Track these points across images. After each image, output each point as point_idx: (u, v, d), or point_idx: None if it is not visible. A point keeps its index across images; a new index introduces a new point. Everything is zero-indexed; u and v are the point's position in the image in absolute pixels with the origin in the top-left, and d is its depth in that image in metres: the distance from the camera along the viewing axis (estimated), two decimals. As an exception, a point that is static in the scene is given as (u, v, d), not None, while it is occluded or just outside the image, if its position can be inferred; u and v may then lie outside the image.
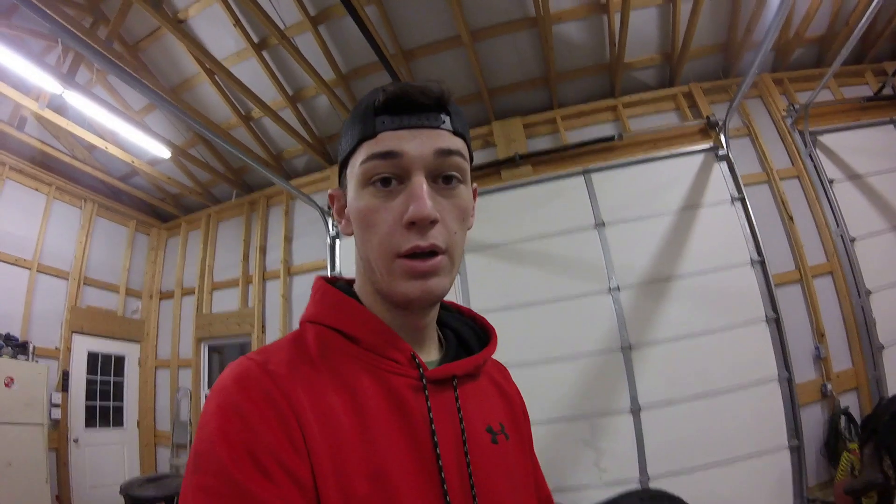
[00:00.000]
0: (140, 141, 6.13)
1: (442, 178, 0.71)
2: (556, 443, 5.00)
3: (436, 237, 0.68)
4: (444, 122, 0.71)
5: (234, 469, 0.54)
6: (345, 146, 0.75)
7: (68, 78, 5.16)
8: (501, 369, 0.96)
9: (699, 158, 5.64)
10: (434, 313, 0.81)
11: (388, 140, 0.68)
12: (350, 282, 0.84)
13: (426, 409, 0.69)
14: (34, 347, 6.10)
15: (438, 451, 0.66)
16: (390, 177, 0.69)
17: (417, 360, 0.72)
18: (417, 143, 0.68)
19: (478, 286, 5.69)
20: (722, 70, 6.13)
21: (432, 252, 0.68)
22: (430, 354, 0.81)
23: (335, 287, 0.80)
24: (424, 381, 0.71)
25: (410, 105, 0.69)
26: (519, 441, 0.86)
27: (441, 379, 0.73)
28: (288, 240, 7.31)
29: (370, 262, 0.72)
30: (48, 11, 3.83)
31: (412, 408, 0.68)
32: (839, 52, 4.71)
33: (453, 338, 0.86)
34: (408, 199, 0.67)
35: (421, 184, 0.67)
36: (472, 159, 0.78)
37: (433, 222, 0.67)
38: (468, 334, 0.88)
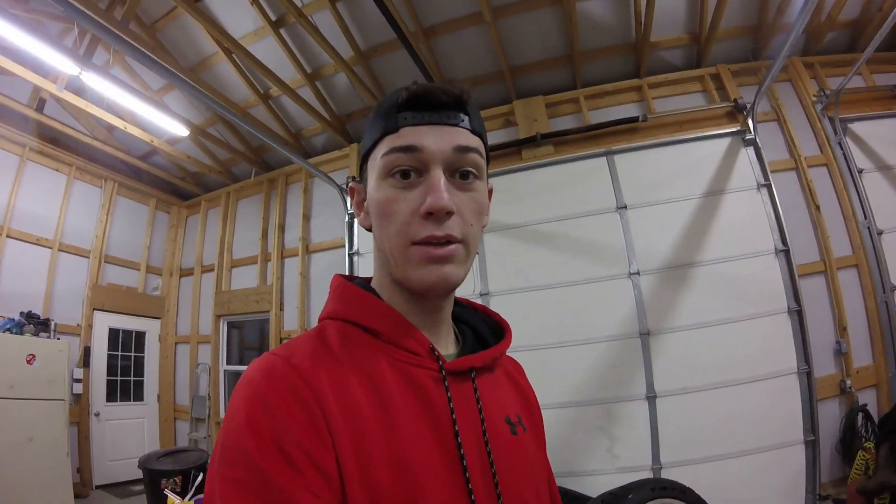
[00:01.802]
0: (159, 120, 6.14)
1: (459, 174, 0.73)
2: (571, 427, 5.00)
3: (452, 227, 0.70)
4: (462, 120, 0.74)
5: (261, 460, 0.55)
6: (367, 141, 0.77)
7: (85, 59, 5.16)
8: (517, 365, 0.98)
9: (725, 142, 5.50)
10: (449, 306, 0.83)
11: (409, 135, 0.71)
12: (367, 280, 0.85)
13: (447, 399, 0.71)
14: (55, 324, 6.26)
15: (460, 440, 0.68)
16: (409, 170, 0.71)
17: (436, 353, 0.74)
18: (437, 139, 0.71)
19: (496, 267, 5.67)
20: (751, 52, 5.91)
21: (447, 241, 0.70)
22: (448, 348, 0.82)
23: (353, 283, 0.82)
24: (444, 373, 0.73)
25: (432, 103, 0.72)
26: (535, 435, 0.88)
27: (460, 371, 0.76)
28: (306, 218, 7.34)
29: (387, 252, 0.74)
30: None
31: (434, 398, 0.70)
32: (872, 37, 4.52)
33: (469, 332, 0.89)
34: (425, 191, 0.70)
35: (439, 177, 0.70)
36: (488, 160, 0.80)
37: (449, 213, 0.70)
38: (483, 329, 0.90)
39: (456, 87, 0.72)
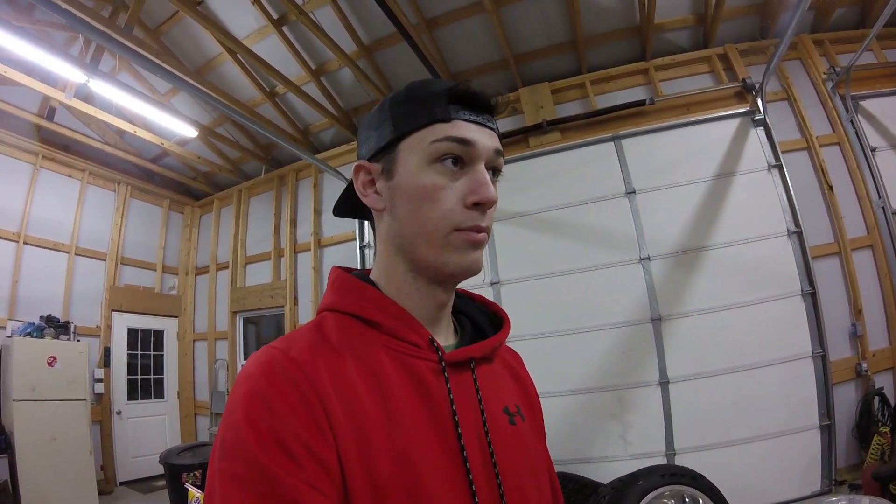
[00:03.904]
0: (168, 123, 6.22)
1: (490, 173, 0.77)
2: (583, 414, 5.00)
3: (489, 219, 0.75)
4: (496, 126, 0.78)
5: (261, 455, 0.55)
6: (405, 123, 0.75)
7: (92, 67, 5.23)
8: (516, 356, 0.98)
9: (734, 123, 5.41)
10: (453, 296, 0.83)
11: (462, 128, 0.73)
12: (366, 272, 0.85)
13: (446, 390, 0.71)
14: (75, 327, 6.43)
15: (460, 430, 0.69)
16: (459, 160, 0.73)
17: (436, 344, 0.74)
18: (484, 138, 0.74)
19: (505, 255, 5.68)
20: (759, 31, 5.77)
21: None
22: (447, 339, 0.83)
23: (352, 275, 0.82)
24: (444, 364, 0.73)
25: (480, 104, 0.75)
26: (534, 424, 0.89)
27: (459, 362, 0.76)
28: (317, 213, 7.39)
29: (417, 237, 0.74)
30: (64, 6, 3.85)
31: (433, 390, 0.71)
32: (882, 12, 4.39)
33: (468, 323, 0.89)
34: (472, 183, 0.73)
35: (485, 172, 0.74)
36: None
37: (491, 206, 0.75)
38: (482, 320, 0.90)
39: (498, 94, 0.76)
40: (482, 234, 0.73)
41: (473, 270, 0.75)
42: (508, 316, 0.92)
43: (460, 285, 0.84)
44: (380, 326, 0.74)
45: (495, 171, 0.77)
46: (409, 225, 0.74)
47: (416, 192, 0.73)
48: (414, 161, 0.74)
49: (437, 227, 0.72)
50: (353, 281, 0.79)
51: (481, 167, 0.73)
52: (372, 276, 0.82)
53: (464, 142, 0.72)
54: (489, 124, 0.75)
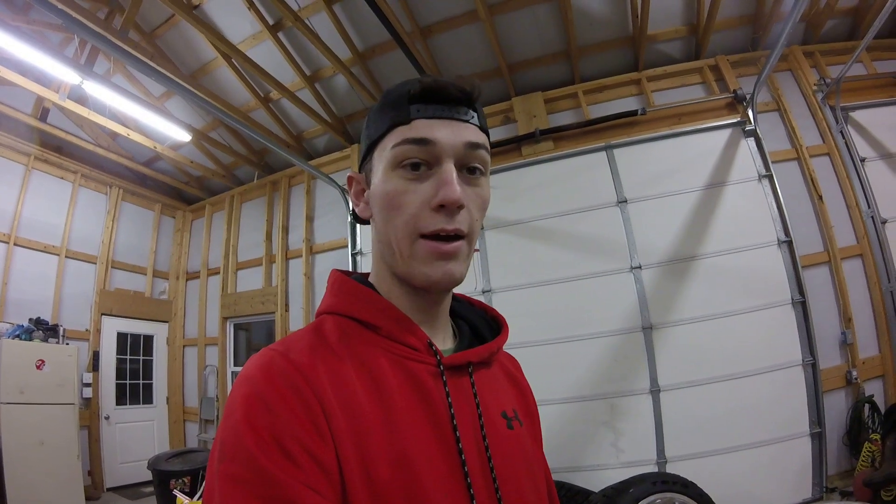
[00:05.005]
0: (161, 126, 6.21)
1: (467, 169, 0.73)
2: (575, 422, 4.99)
3: (461, 222, 0.71)
4: (472, 117, 0.74)
5: (260, 456, 0.55)
6: (374, 131, 0.76)
7: (86, 68, 5.23)
8: (514, 361, 0.98)
9: (725, 134, 5.46)
10: (448, 301, 0.83)
11: (421, 127, 0.70)
12: (365, 275, 0.85)
13: (445, 393, 0.71)
14: (64, 330, 6.37)
15: (458, 434, 0.68)
16: (420, 162, 0.71)
17: (434, 348, 0.74)
18: (449, 133, 0.71)
19: (498, 264, 5.67)
20: (750, 42, 5.85)
21: (455, 236, 0.71)
22: (446, 343, 0.82)
23: (351, 278, 0.81)
24: (442, 368, 0.73)
25: (444, 97, 0.72)
26: (532, 430, 0.89)
27: (457, 365, 0.75)
28: (310, 219, 7.39)
29: (391, 244, 0.74)
30: (60, 7, 3.86)
31: (432, 393, 0.70)
32: (872, 24, 4.47)
33: (466, 327, 0.88)
34: (437, 184, 0.70)
35: (451, 170, 0.70)
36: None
37: (460, 207, 0.70)
38: (480, 324, 0.90)
39: (467, 83, 0.72)
40: (453, 244, 0.70)
41: (445, 282, 0.72)
42: (507, 322, 0.91)
43: (456, 290, 0.82)
44: (379, 329, 0.74)
45: (472, 169, 0.73)
46: (383, 233, 0.75)
47: (383, 200, 0.73)
48: (381, 168, 0.74)
49: (404, 234, 0.71)
50: (352, 284, 0.79)
51: (447, 166, 0.70)
52: (371, 279, 0.82)
53: (421, 142, 0.69)
54: (460, 116, 0.72)
